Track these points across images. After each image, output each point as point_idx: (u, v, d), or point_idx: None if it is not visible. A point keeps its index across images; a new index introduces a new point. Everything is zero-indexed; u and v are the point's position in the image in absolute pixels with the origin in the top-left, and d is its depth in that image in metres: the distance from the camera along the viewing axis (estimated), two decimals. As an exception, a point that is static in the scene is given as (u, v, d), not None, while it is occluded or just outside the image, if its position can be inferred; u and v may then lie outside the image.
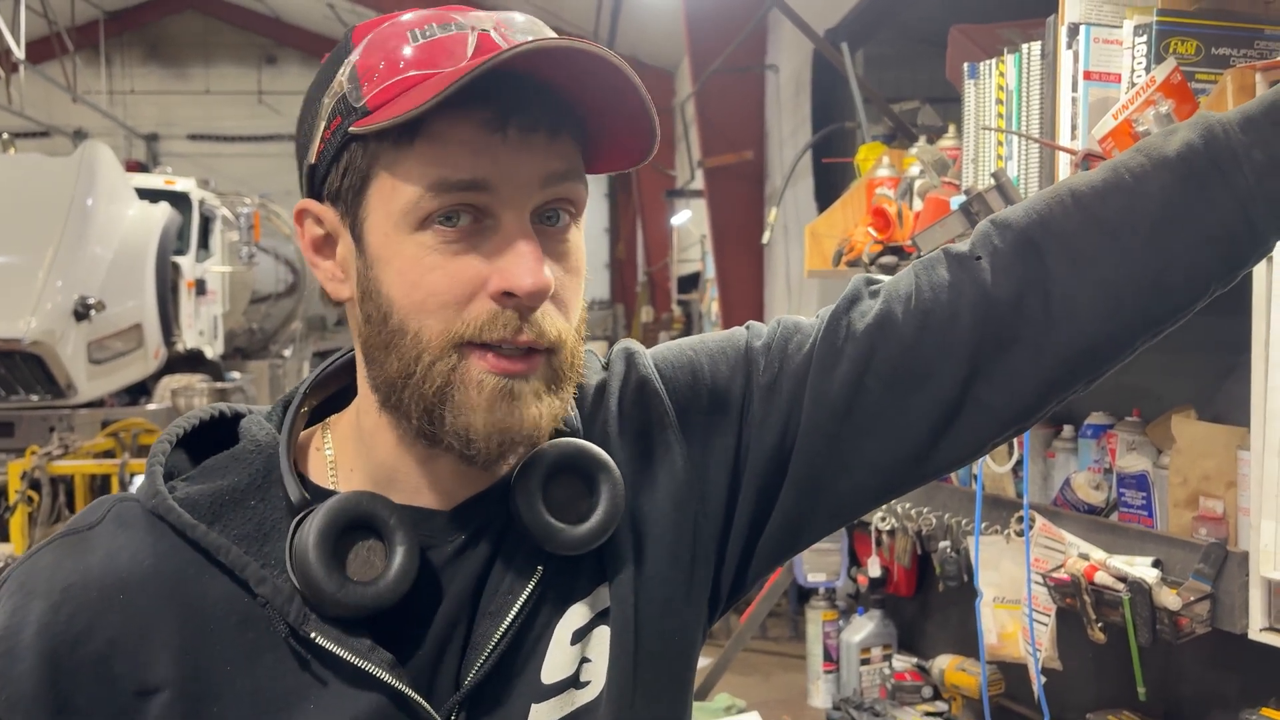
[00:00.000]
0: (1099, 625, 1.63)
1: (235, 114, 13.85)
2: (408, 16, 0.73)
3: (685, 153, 7.94)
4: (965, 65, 1.98)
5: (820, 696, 2.71)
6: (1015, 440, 1.95)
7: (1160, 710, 1.83)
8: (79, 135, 10.68)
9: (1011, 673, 2.21)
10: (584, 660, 0.77)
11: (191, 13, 13.97)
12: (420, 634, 0.75)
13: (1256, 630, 1.43)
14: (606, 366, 0.87)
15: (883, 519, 2.33)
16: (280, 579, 0.73)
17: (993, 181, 1.76)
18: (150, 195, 7.60)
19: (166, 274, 7.18)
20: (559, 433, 0.78)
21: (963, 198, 1.90)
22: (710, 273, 6.96)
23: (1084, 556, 1.68)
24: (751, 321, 0.89)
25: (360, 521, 0.73)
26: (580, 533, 0.76)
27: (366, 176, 0.72)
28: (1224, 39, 1.49)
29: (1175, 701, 1.82)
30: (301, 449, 0.81)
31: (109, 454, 5.50)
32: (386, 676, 0.71)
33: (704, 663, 2.99)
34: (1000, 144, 1.87)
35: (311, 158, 0.75)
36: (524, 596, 0.76)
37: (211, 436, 0.82)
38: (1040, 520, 1.81)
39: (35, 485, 4.90)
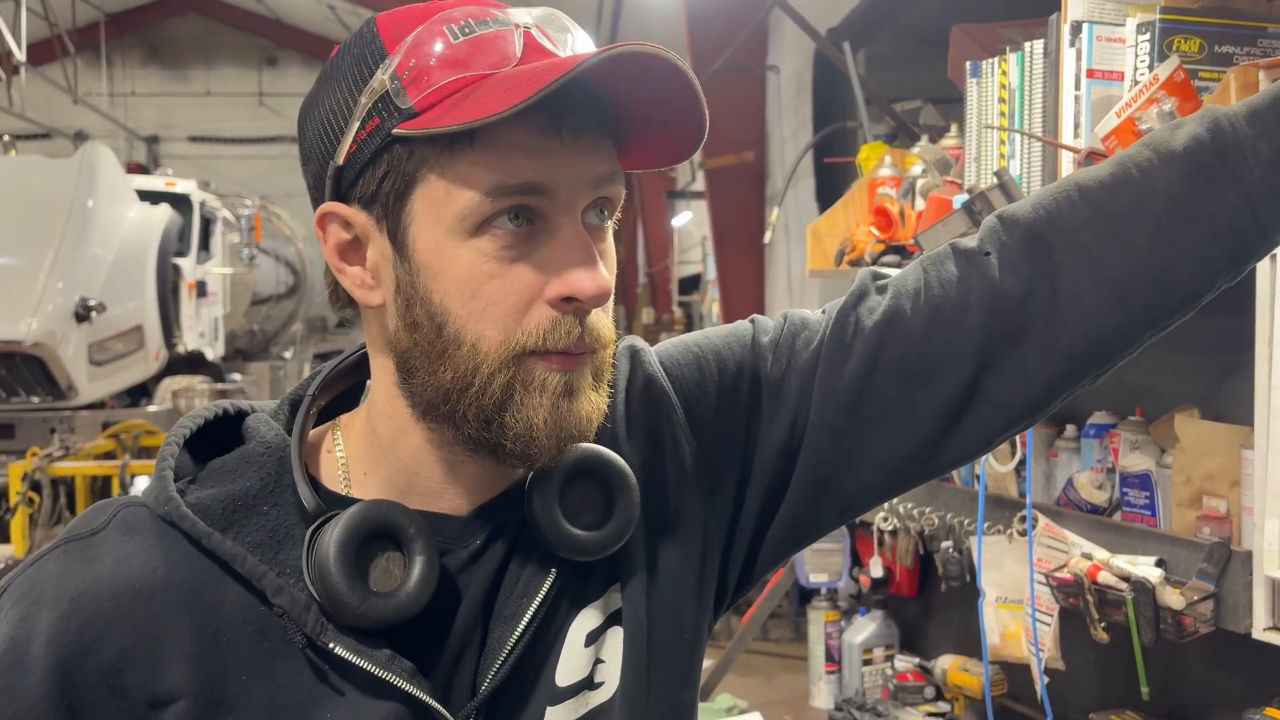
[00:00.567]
0: (1102, 625, 1.63)
1: (236, 116, 13.86)
2: (448, 11, 0.70)
3: (686, 154, 7.93)
4: (967, 64, 1.98)
5: (822, 697, 2.71)
6: (1018, 440, 1.94)
7: (1164, 710, 1.82)
8: (80, 137, 10.69)
9: (1014, 673, 2.21)
10: (598, 661, 0.77)
11: (192, 15, 13.99)
12: (437, 640, 0.74)
13: (1260, 630, 1.43)
14: (612, 365, 0.87)
15: (885, 519, 2.33)
16: (297, 588, 0.72)
17: (995, 180, 1.76)
18: (151, 197, 7.61)
19: (167, 276, 7.18)
20: None
21: (965, 196, 1.90)
22: (711, 274, 6.96)
23: (1087, 556, 1.68)
24: (756, 315, 0.88)
25: (381, 531, 0.72)
26: (596, 539, 0.76)
27: (412, 180, 0.70)
28: (1227, 37, 1.49)
29: (1179, 701, 1.81)
30: (311, 450, 0.79)
31: (110, 455, 5.50)
32: (407, 685, 0.71)
33: (706, 663, 2.99)
34: (1003, 143, 1.86)
35: (340, 159, 0.71)
36: (539, 600, 0.75)
37: (212, 435, 0.80)
38: (1043, 520, 1.81)
39: (36, 487, 4.90)
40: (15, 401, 6.28)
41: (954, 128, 2.37)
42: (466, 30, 0.69)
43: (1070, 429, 1.93)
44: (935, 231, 1.90)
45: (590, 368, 0.73)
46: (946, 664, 2.41)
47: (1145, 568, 1.57)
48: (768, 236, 4.14)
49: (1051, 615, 1.79)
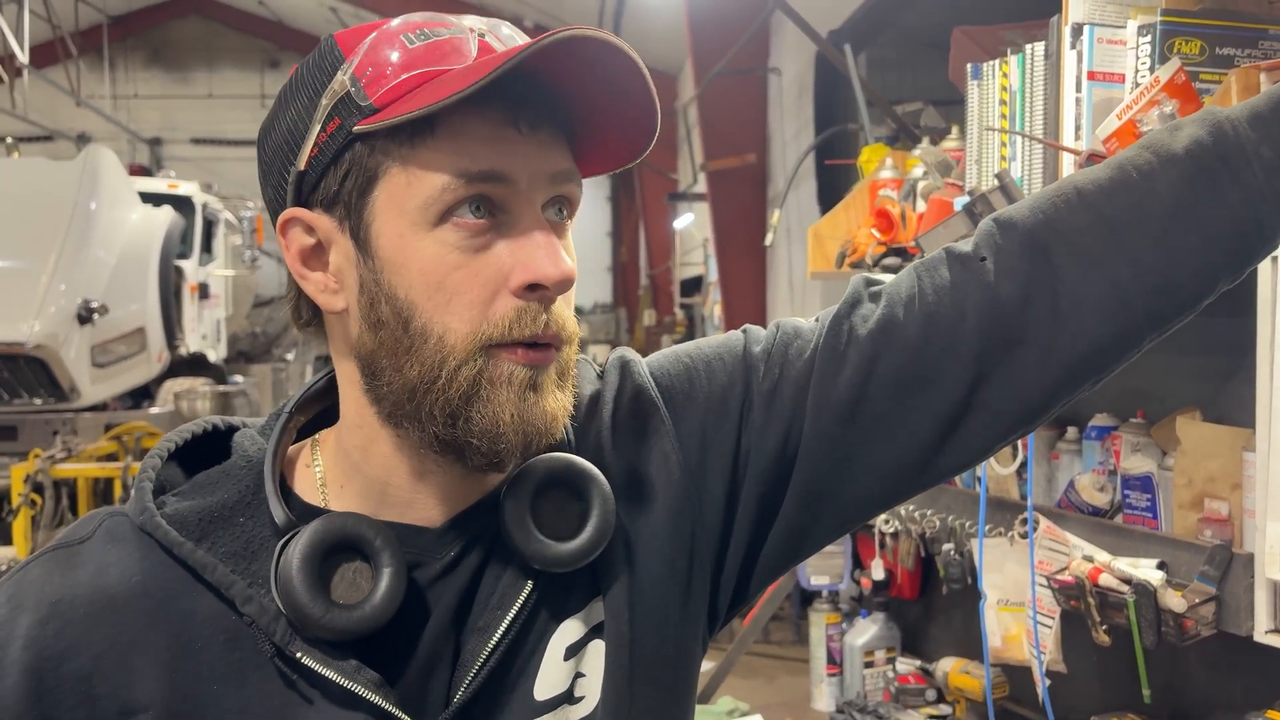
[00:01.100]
0: (1103, 628, 1.63)
1: (238, 118, 13.86)
2: (396, 23, 0.73)
3: (688, 156, 7.94)
4: (968, 66, 1.98)
5: (823, 700, 2.71)
6: (1019, 442, 1.94)
7: (1165, 713, 1.82)
8: (82, 139, 10.71)
9: (1016, 675, 2.20)
10: (578, 675, 0.76)
11: (194, 17, 14.00)
12: (408, 652, 0.74)
13: (1262, 632, 1.43)
14: (601, 376, 0.86)
15: (886, 521, 2.33)
16: (266, 598, 0.72)
17: (996, 182, 1.76)
18: (153, 199, 7.61)
19: (169, 278, 7.18)
20: (551, 446, 0.76)
21: (966, 199, 1.90)
22: (713, 276, 6.96)
23: (1088, 559, 1.68)
24: (749, 325, 0.88)
25: (345, 544, 0.72)
26: (568, 550, 0.75)
27: (374, 176, 0.71)
28: (1228, 39, 1.49)
29: (1180, 704, 1.81)
30: (292, 464, 0.80)
31: (112, 457, 5.49)
32: (373, 696, 0.70)
33: (707, 666, 2.99)
34: (1004, 145, 1.86)
35: (301, 164, 0.72)
36: (513, 612, 0.75)
37: (207, 450, 0.81)
38: (1044, 522, 1.80)
39: (38, 489, 4.90)
40: (17, 403, 6.28)
41: (955, 130, 2.37)
42: (422, 37, 0.71)
43: (1072, 431, 1.93)
44: (936, 233, 1.90)
45: (555, 365, 0.74)
46: (948, 666, 2.40)
47: (1147, 570, 1.57)
48: (769, 238, 4.15)
49: (1053, 618, 1.79)
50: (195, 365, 7.86)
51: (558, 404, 0.73)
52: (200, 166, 12.66)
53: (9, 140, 7.99)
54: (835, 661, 2.71)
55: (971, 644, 2.37)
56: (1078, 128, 1.63)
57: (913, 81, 4.53)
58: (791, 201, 5.01)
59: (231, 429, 0.82)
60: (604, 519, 0.76)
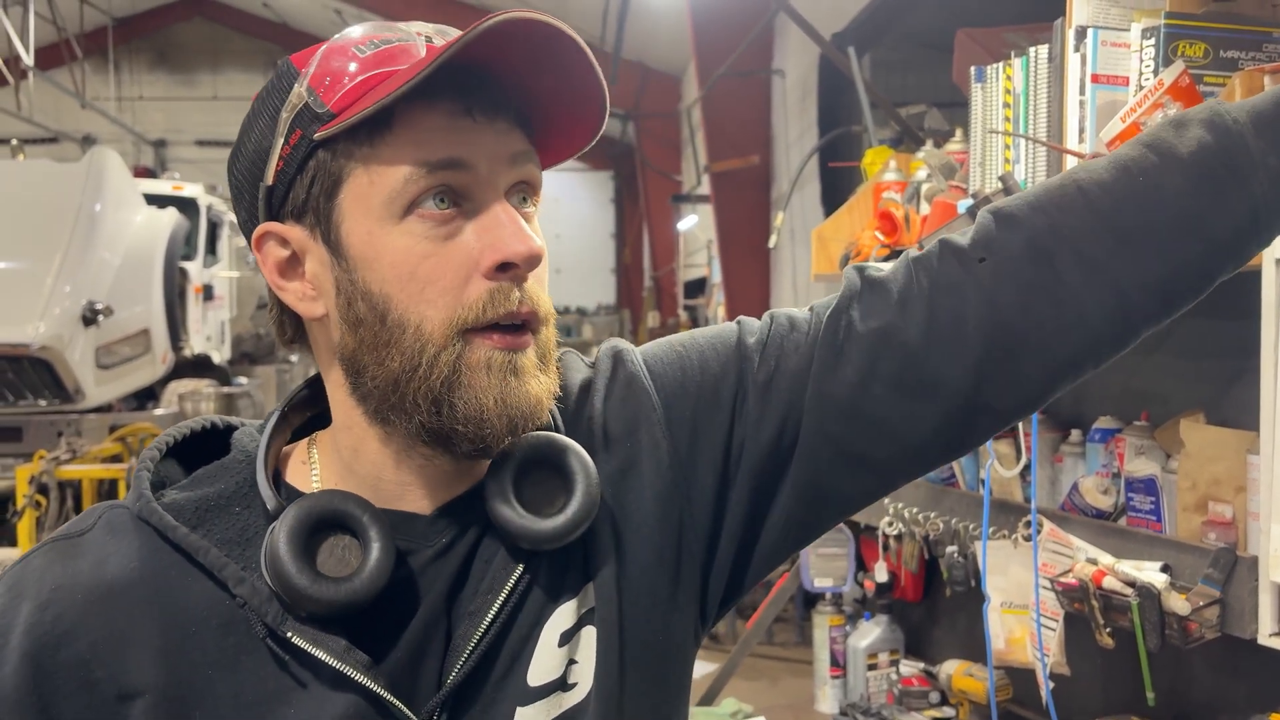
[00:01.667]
0: (1107, 630, 1.63)
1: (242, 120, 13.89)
2: (346, 36, 0.75)
3: (692, 158, 7.94)
4: (972, 69, 1.98)
5: (827, 702, 2.71)
6: (1023, 445, 1.94)
7: (1169, 716, 1.82)
8: (87, 141, 10.72)
9: (1019, 678, 2.20)
10: (571, 662, 0.77)
11: (199, 19, 14.02)
12: (399, 636, 0.75)
13: (1266, 635, 1.42)
14: (593, 365, 0.87)
15: (890, 524, 2.33)
16: (259, 581, 0.73)
17: (1000, 185, 1.76)
18: (158, 201, 7.62)
19: (174, 279, 7.19)
20: (540, 431, 0.77)
21: (970, 201, 1.90)
22: (716, 277, 6.96)
23: (1092, 561, 1.68)
24: (742, 317, 0.87)
25: (332, 519, 0.74)
26: (553, 526, 0.75)
27: (338, 179, 0.72)
28: (1232, 42, 1.49)
29: (1184, 707, 1.81)
30: (288, 461, 0.82)
31: (116, 459, 5.50)
32: (362, 678, 0.71)
33: (710, 668, 2.99)
34: (1008, 147, 1.86)
35: (268, 179, 0.74)
36: (504, 595, 0.75)
37: (207, 450, 0.82)
38: (1048, 525, 1.80)
39: (43, 490, 4.91)
40: (22, 404, 6.29)
41: (959, 132, 2.37)
42: (372, 45, 0.73)
43: (1075, 434, 1.93)
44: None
45: (535, 349, 0.75)
46: (951, 669, 2.40)
47: (1151, 573, 1.57)
48: (773, 240, 4.14)
49: (1057, 620, 1.79)
50: (199, 367, 7.87)
51: (541, 387, 0.74)
52: (205, 168, 12.67)
53: (14, 142, 8.00)
54: (839, 663, 2.71)
55: (975, 646, 2.37)
56: (1081, 130, 1.63)
57: (917, 84, 4.53)
58: (795, 203, 5.01)
59: (230, 428, 0.84)
60: (588, 494, 0.77)
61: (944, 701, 2.46)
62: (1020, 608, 1.94)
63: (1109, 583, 1.61)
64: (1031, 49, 1.79)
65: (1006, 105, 1.87)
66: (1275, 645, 1.42)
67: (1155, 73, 1.49)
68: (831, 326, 0.81)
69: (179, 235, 7.32)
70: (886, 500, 2.27)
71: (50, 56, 10.10)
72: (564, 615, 0.77)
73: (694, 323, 8.56)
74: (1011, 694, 2.25)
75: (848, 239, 2.62)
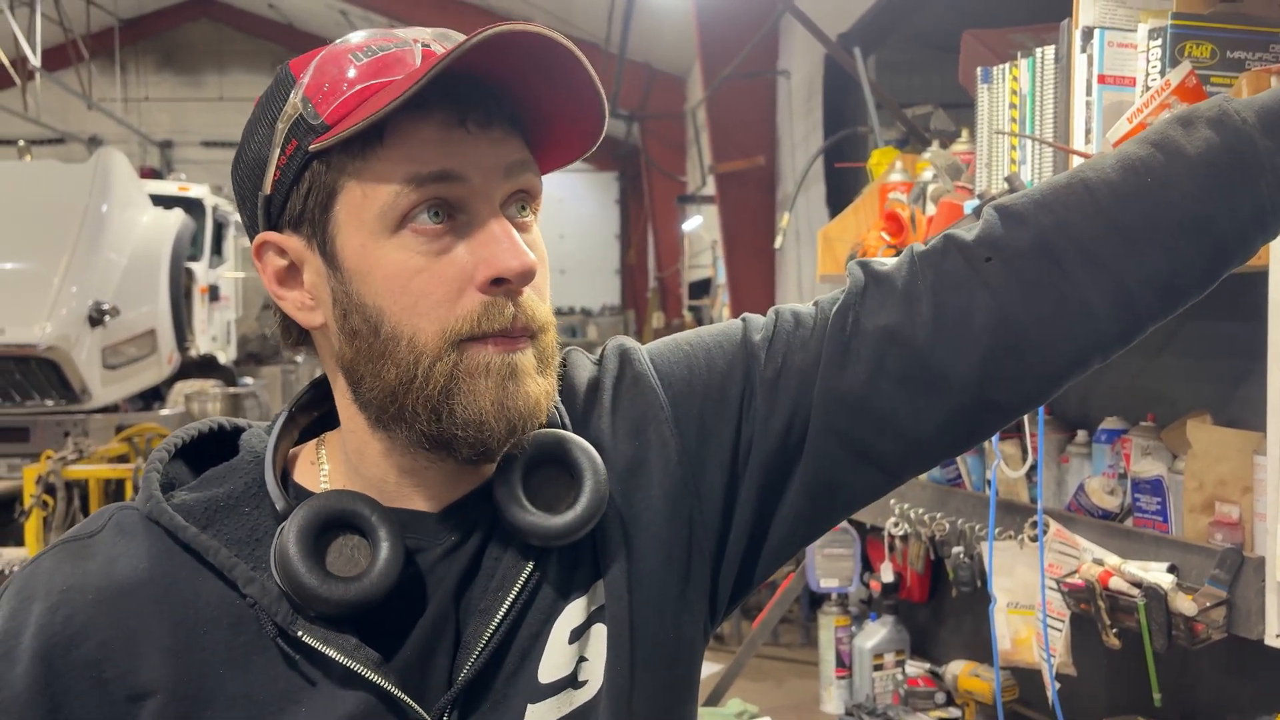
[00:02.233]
0: (1114, 631, 1.63)
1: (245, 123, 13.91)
2: (343, 43, 0.75)
3: (697, 158, 7.94)
4: (978, 70, 1.98)
5: (833, 702, 2.71)
6: (1029, 445, 1.94)
7: (1175, 717, 1.82)
8: (94, 142, 10.74)
9: (1025, 678, 2.20)
10: (581, 659, 0.77)
11: (205, 21, 14.04)
12: (409, 634, 0.75)
13: (1273, 636, 1.42)
14: (599, 363, 0.87)
15: (895, 524, 2.32)
16: (269, 580, 0.73)
17: (1007, 186, 1.76)
18: (164, 201, 7.64)
19: (180, 280, 7.21)
20: (541, 427, 0.77)
21: (976, 202, 1.90)
22: (721, 278, 6.95)
23: (1098, 562, 1.67)
24: (748, 314, 0.88)
25: (341, 519, 0.74)
26: (563, 522, 0.76)
27: (333, 191, 0.72)
28: (1239, 42, 1.49)
29: (1190, 707, 1.81)
30: (298, 462, 0.82)
31: (123, 459, 5.51)
32: (372, 675, 0.71)
33: (716, 668, 2.99)
34: (1014, 148, 1.86)
35: (266, 189, 0.75)
36: (514, 593, 0.75)
37: (215, 452, 0.83)
38: (1054, 525, 1.80)
39: (50, 490, 4.92)
40: (29, 405, 6.31)
41: (965, 133, 2.37)
42: (369, 53, 0.73)
43: (1082, 434, 1.93)
44: (946, 237, 1.90)
45: (533, 351, 0.75)
46: (957, 669, 2.40)
47: (1157, 574, 1.57)
48: (778, 241, 4.14)
49: (1063, 621, 1.79)
50: (205, 367, 7.88)
51: (539, 389, 0.74)
52: (210, 169, 12.69)
53: (21, 143, 8.02)
54: (844, 664, 2.71)
55: (981, 647, 2.37)
56: (1088, 131, 1.63)
57: (922, 84, 4.52)
58: (801, 204, 5.01)
59: (238, 429, 0.84)
60: (596, 491, 0.77)
61: (950, 702, 2.46)
62: (1026, 608, 1.94)
63: (1115, 583, 1.61)
64: (1038, 50, 1.79)
65: (1013, 106, 1.87)
66: (1282, 646, 1.42)
67: (1162, 73, 1.49)
68: (838, 323, 0.82)
69: (185, 236, 7.34)
70: (892, 500, 2.27)
71: (57, 58, 10.13)
72: (574, 612, 0.77)
73: (699, 323, 8.55)
74: (1017, 694, 2.25)
75: (853, 240, 2.62)
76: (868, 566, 2.76)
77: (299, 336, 0.80)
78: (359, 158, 0.71)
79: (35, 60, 7.71)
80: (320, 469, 0.80)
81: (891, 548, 2.55)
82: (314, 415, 0.85)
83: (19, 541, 5.03)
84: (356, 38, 0.75)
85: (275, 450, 0.79)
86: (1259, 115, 0.76)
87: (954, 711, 2.43)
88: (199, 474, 0.81)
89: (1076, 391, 0.71)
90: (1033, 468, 1.95)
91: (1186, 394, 1.81)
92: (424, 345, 0.72)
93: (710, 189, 6.48)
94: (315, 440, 0.83)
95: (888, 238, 2.31)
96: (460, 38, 0.75)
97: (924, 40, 4.26)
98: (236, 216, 8.87)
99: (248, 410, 7.27)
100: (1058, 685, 1.82)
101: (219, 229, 8.46)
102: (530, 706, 0.75)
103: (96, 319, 6.30)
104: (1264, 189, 0.75)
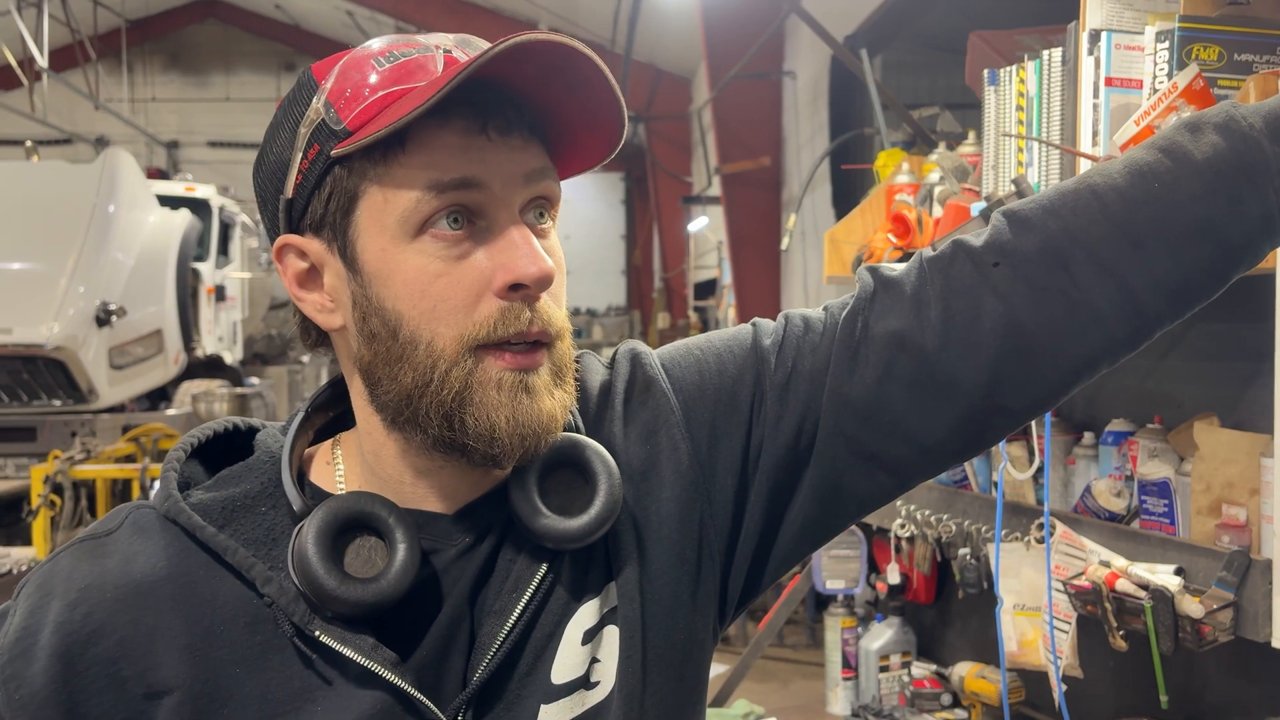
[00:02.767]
0: (1120, 633, 1.63)
1: (255, 121, 13.92)
2: (367, 48, 0.75)
3: (702, 159, 7.95)
4: (985, 72, 1.98)
5: (839, 704, 2.71)
6: (1036, 447, 1.94)
7: (1182, 718, 1.82)
8: (101, 142, 10.76)
9: (1032, 680, 2.20)
10: (594, 660, 0.77)
11: (212, 21, 14.07)
12: (425, 634, 0.76)
13: (1279, 638, 1.42)
14: (611, 366, 0.87)
15: (902, 526, 2.33)
16: (286, 580, 0.74)
17: (1013, 188, 1.76)
18: (171, 202, 7.66)
19: (186, 280, 7.23)
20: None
21: (983, 204, 1.90)
22: (727, 279, 6.96)
23: (1105, 564, 1.67)
24: (757, 319, 0.88)
25: (359, 520, 0.75)
26: (577, 526, 0.76)
27: (354, 196, 0.73)
28: (1246, 45, 1.49)
29: (1197, 710, 1.81)
30: (313, 461, 0.83)
31: (130, 459, 5.53)
32: (389, 675, 0.72)
33: (722, 669, 2.99)
34: (1021, 150, 1.86)
35: (288, 192, 0.75)
36: (528, 594, 0.76)
37: (229, 452, 0.83)
38: (1061, 527, 1.80)
39: (57, 490, 4.94)
40: (37, 405, 6.33)
41: (972, 135, 2.37)
42: (391, 59, 0.73)
43: (1088, 436, 1.93)
44: (953, 239, 1.90)
45: (548, 364, 0.75)
46: (964, 671, 2.40)
47: (1164, 576, 1.57)
48: (785, 242, 4.15)
49: (1069, 623, 1.79)
50: (212, 367, 7.90)
51: (555, 403, 0.75)
52: (217, 169, 12.73)
53: (28, 143, 8.04)
54: (850, 665, 2.71)
55: (987, 648, 2.37)
56: (1095, 134, 1.63)
57: (929, 86, 4.53)
58: (807, 205, 5.01)
59: (252, 429, 0.85)
60: (610, 494, 0.77)
61: (956, 704, 2.46)
62: (1033, 610, 1.94)
63: (1122, 585, 1.61)
64: (1045, 52, 1.79)
65: (1020, 108, 1.87)
66: (1289, 648, 1.42)
67: (1169, 76, 1.49)
68: (847, 328, 0.82)
69: (191, 236, 7.36)
70: (899, 502, 2.28)
71: (64, 58, 10.15)
72: (587, 614, 0.78)
73: (704, 324, 8.56)
74: (1024, 696, 2.25)
75: (860, 241, 2.62)
76: (874, 568, 2.76)
77: (318, 338, 0.81)
78: (381, 163, 0.72)
79: (42, 61, 7.73)
80: (336, 469, 0.81)
81: (898, 549, 2.56)
82: (329, 415, 0.86)
83: (27, 541, 5.05)
84: (378, 43, 0.75)
85: (291, 450, 0.80)
86: (1266, 121, 0.77)
87: (960, 713, 2.43)
88: (214, 473, 0.81)
89: (1083, 393, 0.71)
90: (1039, 469, 1.95)
91: (1194, 396, 1.81)
92: (441, 350, 0.73)
93: (716, 190, 6.48)
94: (331, 440, 0.83)
95: (894, 239, 2.31)
96: (481, 44, 0.75)
97: (930, 42, 4.26)
98: (243, 217, 8.90)
99: (254, 410, 7.29)
100: (1064, 687, 1.82)
101: (225, 229, 8.47)
102: (544, 707, 0.76)
103: (103, 319, 6.32)
104: (1271, 194, 0.75)
